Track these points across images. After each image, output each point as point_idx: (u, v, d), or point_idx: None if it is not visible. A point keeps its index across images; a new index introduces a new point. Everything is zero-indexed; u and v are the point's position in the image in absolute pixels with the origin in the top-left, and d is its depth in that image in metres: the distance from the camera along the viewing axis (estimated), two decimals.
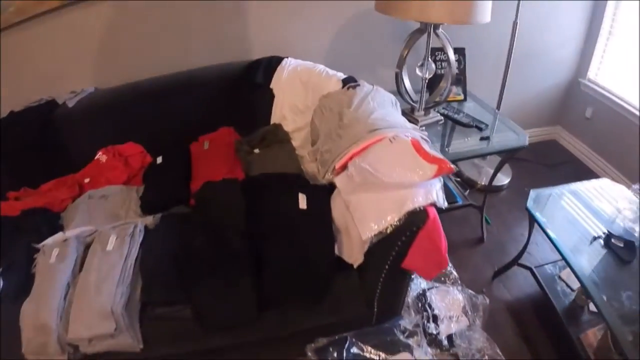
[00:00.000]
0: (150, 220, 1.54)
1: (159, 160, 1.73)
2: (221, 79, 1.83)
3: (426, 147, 1.38)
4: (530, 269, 1.78)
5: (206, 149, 1.78)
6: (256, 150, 1.79)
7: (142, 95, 1.84)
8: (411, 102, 1.92)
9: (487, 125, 1.94)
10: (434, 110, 1.98)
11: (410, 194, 1.26)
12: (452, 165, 1.30)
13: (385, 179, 1.29)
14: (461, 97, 2.15)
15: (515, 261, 1.83)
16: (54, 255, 1.46)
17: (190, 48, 1.96)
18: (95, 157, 1.82)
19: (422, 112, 1.88)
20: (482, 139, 1.89)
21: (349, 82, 1.67)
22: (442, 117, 1.96)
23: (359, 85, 1.61)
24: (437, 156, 1.33)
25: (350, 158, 1.40)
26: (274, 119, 1.82)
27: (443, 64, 2.05)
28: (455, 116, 2.00)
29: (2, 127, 1.92)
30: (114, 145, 1.83)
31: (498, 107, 2.29)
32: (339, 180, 1.44)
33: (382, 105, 1.58)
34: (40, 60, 1.92)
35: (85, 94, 1.89)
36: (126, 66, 1.95)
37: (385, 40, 2.16)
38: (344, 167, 1.45)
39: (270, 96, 1.80)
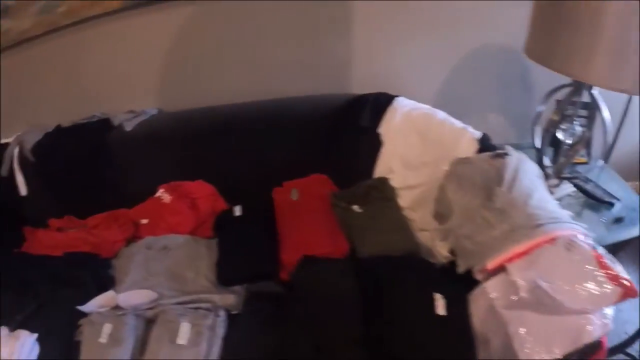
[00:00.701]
0: (230, 300, 1.21)
1: (238, 211, 1.40)
2: (316, 115, 1.50)
3: (608, 261, 1.08)
4: None
5: (295, 200, 1.46)
6: (355, 207, 1.46)
7: (216, 124, 1.52)
8: (544, 169, 1.57)
9: (618, 200, 1.61)
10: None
11: (588, 322, 0.98)
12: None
13: (567, 303, 0.99)
14: (585, 159, 1.83)
15: None
16: (105, 332, 1.15)
17: (276, 73, 1.61)
18: (156, 195, 1.51)
19: (556, 181, 1.56)
20: (616, 220, 1.53)
21: (486, 143, 1.34)
22: (575, 188, 1.64)
23: (507, 154, 1.29)
24: (621, 275, 1.04)
25: (509, 259, 1.10)
26: (379, 171, 1.49)
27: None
28: (585, 186, 1.67)
29: (49, 142, 1.62)
30: (179, 182, 1.52)
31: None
32: (493, 286, 1.11)
33: (533, 183, 1.26)
34: (91, 70, 1.62)
35: (146, 116, 1.58)
36: (196, 87, 1.63)
37: (505, 85, 1.80)
38: (499, 267, 1.14)
39: (377, 143, 1.47)
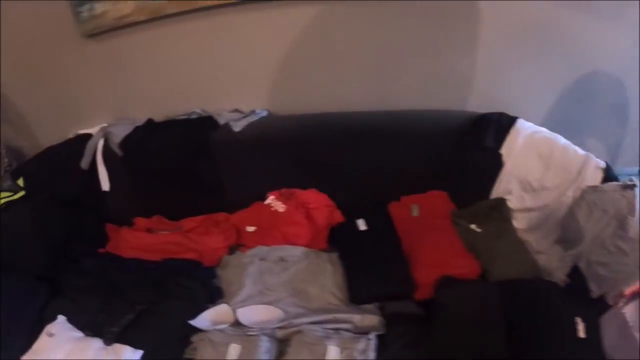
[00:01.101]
0: (374, 321, 1.11)
1: (362, 225, 1.33)
2: (433, 130, 1.41)
3: None
4: None
5: (415, 216, 1.40)
6: (473, 227, 1.43)
7: (331, 131, 1.43)
8: None
9: None
10: None
11: None
12: None
13: None
14: None
15: None
16: (232, 353, 1.05)
17: (395, 85, 1.52)
18: (266, 201, 1.43)
19: None
20: None
21: (610, 173, 1.34)
22: None
23: (635, 185, 1.30)
24: None
25: None
26: (497, 191, 1.45)
27: None
28: None
29: (140, 137, 1.53)
30: (291, 190, 1.43)
31: None
32: (630, 311, 1.13)
33: None
34: (191, 64, 1.52)
35: (255, 117, 1.47)
36: (309, 91, 1.53)
37: (610, 112, 1.69)
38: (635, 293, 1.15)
39: (498, 163, 1.44)
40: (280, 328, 1.12)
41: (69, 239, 1.45)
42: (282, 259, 1.30)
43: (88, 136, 1.62)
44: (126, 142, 1.51)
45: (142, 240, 1.43)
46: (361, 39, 1.41)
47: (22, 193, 1.63)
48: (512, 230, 1.41)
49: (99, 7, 1.45)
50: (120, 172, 1.55)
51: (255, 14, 1.41)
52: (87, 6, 1.45)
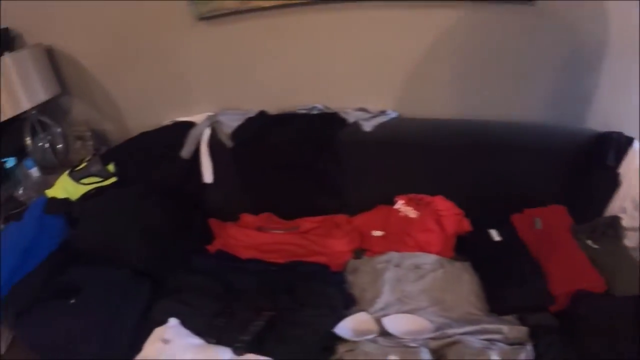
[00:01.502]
0: (521, 333, 1.08)
1: (496, 235, 1.33)
2: (560, 145, 1.41)
3: None
4: None
5: (538, 229, 1.42)
6: (589, 242, 1.46)
7: (462, 138, 1.41)
8: None
9: None
10: None
11: None
12: None
13: None
14: None
15: None
16: None
17: (519, 95, 1.49)
18: (395, 206, 1.40)
19: None
20: None
21: None
22: None
23: None
24: None
25: None
26: (612, 209, 1.51)
27: None
28: None
29: (253, 128, 1.46)
30: (419, 196, 1.40)
31: None
32: None
33: None
34: (309, 57, 1.48)
35: (385, 118, 1.44)
36: (435, 96, 1.50)
37: None
38: None
39: (615, 183, 1.50)
40: (432, 339, 1.11)
41: (172, 233, 1.37)
42: (417, 267, 1.28)
43: (188, 124, 1.55)
44: (238, 133, 1.44)
45: (256, 239, 1.36)
46: (494, 48, 1.40)
47: (113, 179, 1.54)
48: (625, 248, 1.46)
49: None
50: (226, 164, 1.48)
51: (387, 12, 1.37)
52: None
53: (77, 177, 1.54)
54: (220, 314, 1.14)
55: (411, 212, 1.33)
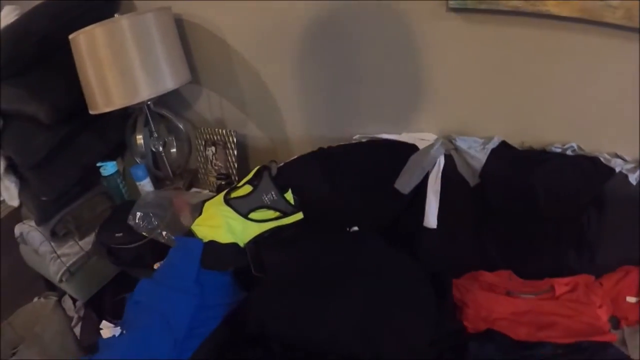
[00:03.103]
0: None
1: None
2: None
3: None
4: None
5: None
6: None
7: None
8: None
9: None
10: None
11: None
12: None
13: None
14: None
15: None
16: None
17: None
18: None
19: None
20: None
21: None
22: None
23: None
24: None
25: None
26: None
27: None
28: None
29: (497, 165, 1.18)
30: None
31: None
32: None
33: None
34: (576, 83, 1.13)
35: None
36: None
37: None
38: None
39: None
40: None
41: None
42: None
43: (402, 146, 1.19)
44: (490, 167, 1.11)
45: (507, 306, 1.09)
46: None
47: (298, 215, 1.14)
48: None
49: None
50: (459, 205, 1.17)
51: None
52: None
53: (241, 208, 1.11)
54: None
55: None
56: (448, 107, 1.22)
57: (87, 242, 1.46)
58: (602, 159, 1.20)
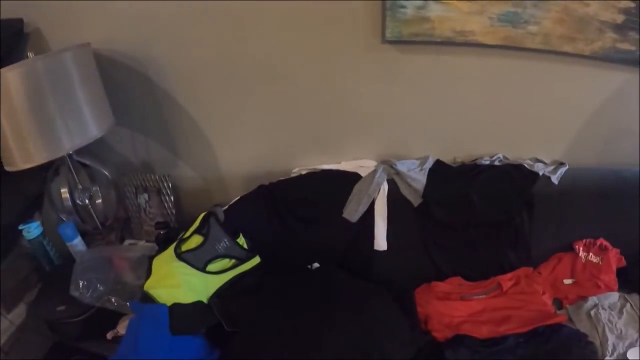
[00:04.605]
0: None
1: None
2: None
3: None
4: None
5: None
6: None
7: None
8: None
9: None
10: None
11: None
12: None
13: None
14: None
15: None
16: None
17: None
18: (579, 253, 1.34)
19: None
20: None
21: None
22: None
23: None
24: None
25: None
26: None
27: None
28: None
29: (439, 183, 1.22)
30: (596, 241, 1.35)
31: None
32: None
33: None
34: (498, 99, 1.24)
35: (564, 169, 1.30)
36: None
37: None
38: None
39: None
40: None
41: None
42: (612, 306, 1.32)
43: (344, 175, 1.20)
44: (431, 188, 1.17)
45: (465, 310, 1.15)
46: None
47: (254, 260, 1.11)
48: None
49: (434, 9, 1.06)
50: (405, 225, 1.20)
51: (570, 67, 1.23)
52: (416, 2, 1.04)
53: (197, 262, 1.04)
54: None
55: (593, 257, 1.35)
56: (384, 133, 1.26)
57: (17, 314, 1.31)
58: (526, 165, 1.30)
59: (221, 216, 1.10)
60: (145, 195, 1.31)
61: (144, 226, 1.35)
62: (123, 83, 1.23)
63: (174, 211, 1.27)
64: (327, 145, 1.25)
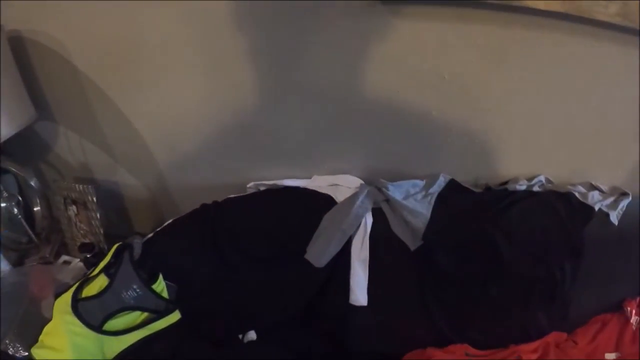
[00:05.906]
0: None
1: None
2: None
3: None
4: None
5: None
6: None
7: None
8: None
9: None
10: None
11: None
12: None
13: None
14: None
15: None
16: None
17: None
18: (631, 319, 0.94)
19: None
20: None
21: None
22: None
23: None
24: None
25: None
26: None
27: None
28: None
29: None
30: None
31: None
32: None
33: None
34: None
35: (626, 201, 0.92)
36: None
37: None
38: None
39: None
40: None
41: None
42: None
43: (309, 197, 0.86)
44: (435, 222, 0.82)
45: None
46: None
47: (174, 316, 0.80)
48: None
49: None
50: (394, 274, 0.86)
51: None
52: None
53: (92, 317, 0.75)
54: None
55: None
56: (376, 134, 0.89)
57: None
58: (577, 195, 0.91)
59: (137, 250, 0.81)
60: (74, 208, 1.04)
61: (76, 243, 1.09)
62: (51, 71, 0.96)
63: (101, 230, 1.00)
64: (295, 151, 0.90)
